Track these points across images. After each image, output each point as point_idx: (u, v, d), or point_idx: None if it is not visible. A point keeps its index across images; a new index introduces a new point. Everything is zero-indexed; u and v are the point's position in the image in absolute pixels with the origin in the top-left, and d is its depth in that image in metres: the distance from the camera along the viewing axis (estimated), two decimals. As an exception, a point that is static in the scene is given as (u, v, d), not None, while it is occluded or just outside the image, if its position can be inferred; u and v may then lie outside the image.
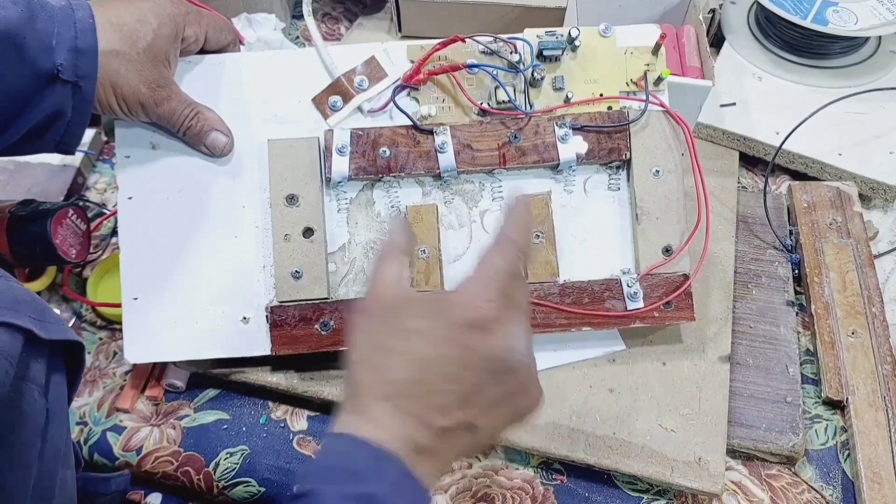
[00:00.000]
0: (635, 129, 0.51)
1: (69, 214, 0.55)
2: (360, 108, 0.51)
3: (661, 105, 0.51)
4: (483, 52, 0.51)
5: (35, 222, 0.53)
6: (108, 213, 0.64)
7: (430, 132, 0.50)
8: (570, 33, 0.51)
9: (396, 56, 0.51)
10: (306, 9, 0.54)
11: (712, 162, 0.65)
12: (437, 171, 0.50)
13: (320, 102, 0.51)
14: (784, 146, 0.61)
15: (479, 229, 0.51)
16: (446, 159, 0.50)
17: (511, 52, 0.51)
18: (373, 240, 0.50)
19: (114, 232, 0.63)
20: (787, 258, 0.58)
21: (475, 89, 0.51)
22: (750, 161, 0.66)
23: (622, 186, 0.52)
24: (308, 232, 0.49)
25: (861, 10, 0.67)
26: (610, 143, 0.51)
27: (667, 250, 0.50)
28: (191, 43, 0.48)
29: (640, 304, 0.49)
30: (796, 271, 0.58)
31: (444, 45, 0.50)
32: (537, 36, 0.51)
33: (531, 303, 0.49)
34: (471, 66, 0.50)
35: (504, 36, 0.51)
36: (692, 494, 0.48)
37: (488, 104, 0.51)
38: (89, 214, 0.61)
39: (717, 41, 0.73)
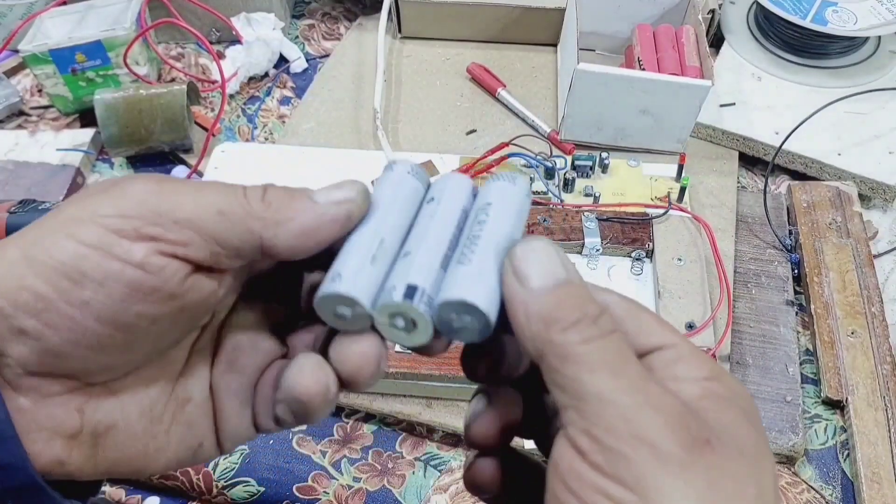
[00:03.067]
0: (658, 224, 0.56)
1: (68, 214, 0.55)
2: None
3: (684, 211, 0.57)
4: (525, 164, 0.60)
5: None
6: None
7: None
8: (600, 155, 0.60)
9: (450, 162, 0.62)
10: (378, 125, 0.65)
11: (712, 162, 0.65)
12: None
13: None
14: (784, 146, 0.61)
15: None
16: None
17: (547, 159, 0.59)
18: None
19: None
20: (786, 258, 0.58)
21: None
22: (750, 161, 0.66)
23: (645, 271, 0.54)
24: None
25: (860, 10, 0.67)
26: (633, 234, 0.55)
27: (690, 326, 0.50)
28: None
29: None
30: (796, 271, 0.58)
31: (493, 151, 0.60)
32: (573, 154, 0.62)
33: None
34: (512, 157, 0.59)
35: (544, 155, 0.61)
36: (692, 494, 0.48)
37: None
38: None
39: (716, 41, 0.73)
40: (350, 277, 0.22)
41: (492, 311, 0.22)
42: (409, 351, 0.24)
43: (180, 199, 0.22)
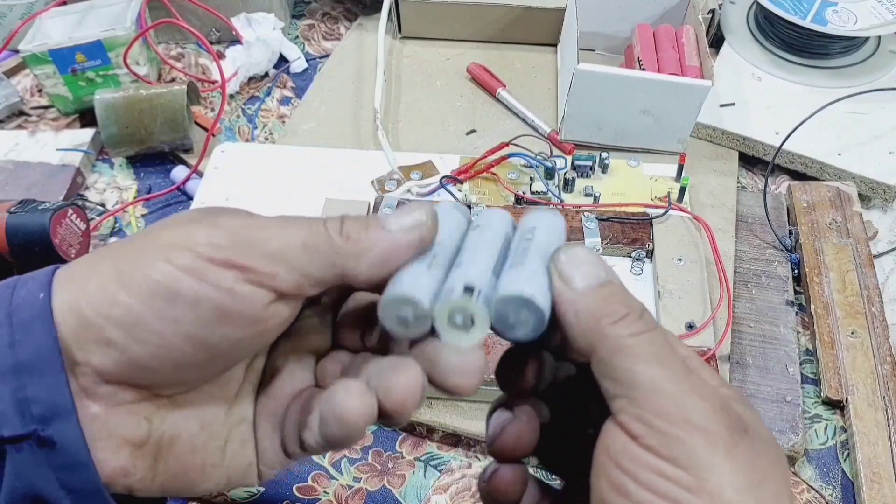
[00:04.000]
0: (658, 223, 0.56)
1: (68, 214, 0.55)
2: (409, 191, 0.59)
3: (685, 211, 0.57)
4: (525, 165, 0.60)
5: (34, 222, 0.52)
6: (109, 211, 0.64)
7: (468, 206, 0.57)
8: (600, 155, 0.60)
9: (450, 162, 0.62)
10: (378, 125, 0.65)
11: (712, 162, 0.65)
12: None
13: (379, 182, 0.60)
14: (784, 146, 0.61)
15: None
16: None
17: (547, 159, 0.59)
18: None
19: (112, 232, 0.63)
20: (786, 258, 0.58)
21: (513, 183, 0.59)
22: (750, 161, 0.66)
23: (645, 271, 0.54)
24: None
25: (860, 10, 0.67)
26: (633, 234, 0.55)
27: (690, 326, 0.50)
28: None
29: None
30: (796, 271, 0.58)
31: (493, 152, 0.60)
32: (573, 154, 0.62)
33: None
34: (512, 157, 0.59)
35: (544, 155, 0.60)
36: (692, 494, 0.48)
37: (523, 192, 0.58)
38: (89, 214, 0.61)
39: (716, 41, 0.73)
40: (409, 282, 0.24)
41: (546, 308, 0.23)
42: (443, 394, 0.25)
43: (268, 234, 0.24)
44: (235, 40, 0.75)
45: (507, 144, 0.60)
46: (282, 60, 0.77)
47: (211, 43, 0.75)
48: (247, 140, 0.70)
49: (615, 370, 0.22)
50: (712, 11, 0.72)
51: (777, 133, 0.63)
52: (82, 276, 0.23)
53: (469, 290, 0.23)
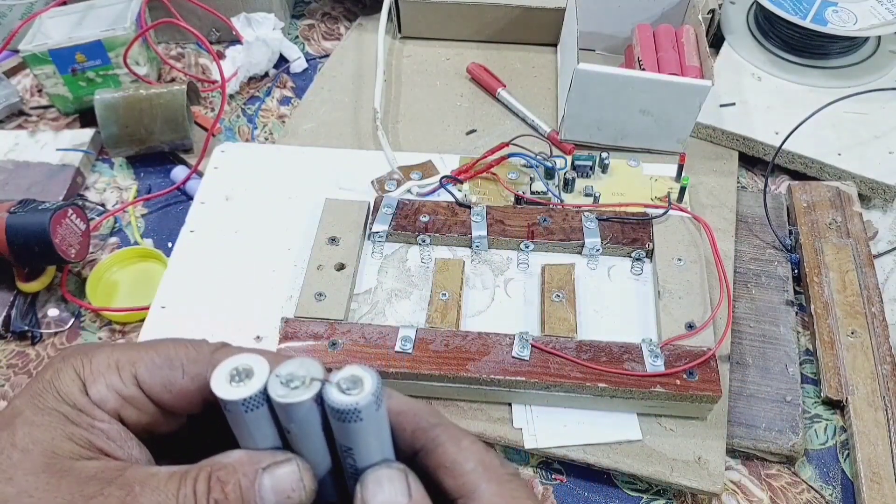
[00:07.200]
0: (658, 223, 0.56)
1: (68, 214, 0.55)
2: (410, 191, 0.59)
3: (685, 211, 0.56)
4: (524, 164, 0.60)
5: (34, 222, 0.52)
6: (109, 211, 0.64)
7: (468, 206, 0.57)
8: (600, 155, 0.59)
9: (450, 162, 0.62)
10: (378, 125, 0.65)
11: (712, 162, 0.65)
12: (470, 237, 0.55)
13: (379, 182, 0.60)
14: (784, 146, 0.61)
15: (501, 293, 0.54)
16: (479, 228, 0.55)
17: (547, 159, 0.59)
18: (399, 288, 0.54)
19: (112, 232, 0.63)
20: (786, 258, 0.58)
21: (513, 183, 0.59)
22: (749, 161, 0.66)
23: (645, 271, 0.54)
24: (341, 266, 0.53)
25: (860, 11, 0.67)
26: (633, 234, 0.55)
27: (690, 326, 0.50)
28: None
29: (662, 368, 0.47)
30: (796, 271, 0.58)
31: (493, 152, 0.60)
32: (573, 154, 0.62)
33: (546, 351, 0.48)
34: (512, 157, 0.60)
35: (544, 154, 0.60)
36: (692, 494, 0.48)
37: (523, 192, 0.58)
38: (89, 214, 0.61)
39: (716, 41, 0.73)
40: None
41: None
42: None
43: None
44: (235, 40, 0.75)
45: (507, 144, 0.60)
46: (282, 60, 0.77)
47: (211, 43, 0.75)
48: (247, 140, 0.70)
49: None
50: (712, 11, 0.72)
51: (777, 133, 0.63)
52: None
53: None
